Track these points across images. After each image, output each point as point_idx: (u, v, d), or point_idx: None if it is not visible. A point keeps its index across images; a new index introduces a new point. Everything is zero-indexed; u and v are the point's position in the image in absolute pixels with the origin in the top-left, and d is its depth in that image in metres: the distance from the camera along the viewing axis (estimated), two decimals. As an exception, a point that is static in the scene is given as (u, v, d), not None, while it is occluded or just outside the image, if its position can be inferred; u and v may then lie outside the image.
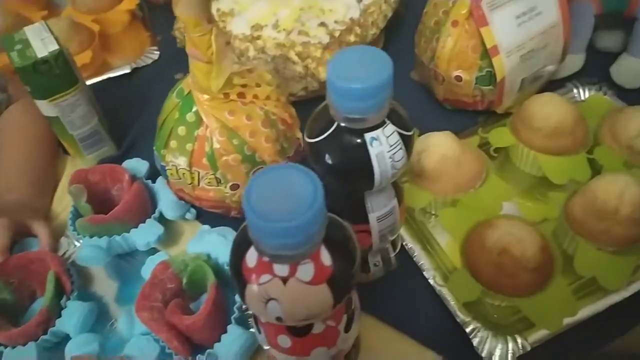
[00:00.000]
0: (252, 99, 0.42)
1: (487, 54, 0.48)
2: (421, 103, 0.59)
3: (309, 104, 0.59)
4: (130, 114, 0.61)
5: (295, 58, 0.54)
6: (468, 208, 0.45)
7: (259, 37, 0.57)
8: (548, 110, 0.47)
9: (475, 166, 0.47)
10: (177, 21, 0.62)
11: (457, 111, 0.57)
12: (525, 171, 0.51)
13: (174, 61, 0.62)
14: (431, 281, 0.43)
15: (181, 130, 0.41)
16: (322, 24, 0.57)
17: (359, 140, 0.31)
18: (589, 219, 0.42)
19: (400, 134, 0.32)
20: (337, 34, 0.56)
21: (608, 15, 0.56)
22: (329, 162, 0.32)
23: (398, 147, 0.32)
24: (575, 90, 0.57)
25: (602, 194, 0.41)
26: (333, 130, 0.32)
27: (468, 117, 0.56)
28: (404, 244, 0.46)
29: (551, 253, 0.41)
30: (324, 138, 0.32)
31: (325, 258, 0.26)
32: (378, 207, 0.37)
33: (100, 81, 0.65)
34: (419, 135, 0.49)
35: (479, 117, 0.56)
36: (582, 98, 0.56)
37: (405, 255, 0.46)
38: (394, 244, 0.44)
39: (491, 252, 0.40)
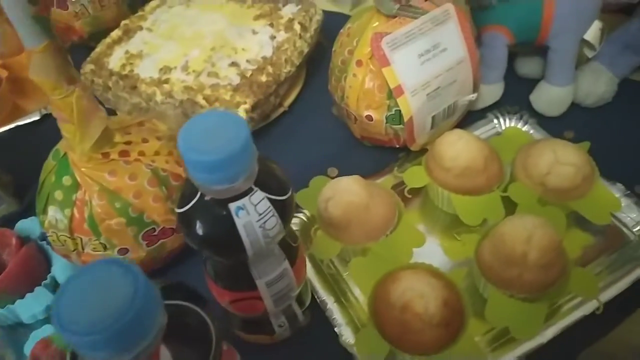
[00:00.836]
0: (138, 156, 0.39)
1: (393, 93, 0.46)
2: (342, 139, 0.57)
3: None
4: (37, 164, 0.57)
5: (203, 102, 0.52)
6: (378, 257, 0.43)
7: (166, 81, 0.54)
8: (456, 150, 0.45)
9: (385, 211, 0.45)
10: (85, 63, 0.59)
11: (378, 147, 0.55)
12: (444, 210, 0.49)
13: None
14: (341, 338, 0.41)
15: (58, 194, 0.38)
16: (234, 64, 0.55)
17: (223, 212, 0.29)
18: (498, 264, 0.40)
19: (271, 199, 0.30)
20: (248, 74, 0.54)
21: (522, 44, 0.55)
22: (196, 233, 0.30)
23: (269, 215, 0.30)
24: (495, 121, 0.56)
25: (509, 239, 0.39)
26: (197, 201, 0.29)
27: (389, 152, 0.55)
28: (316, 296, 0.43)
29: (459, 304, 0.39)
30: (188, 209, 0.30)
31: (166, 359, 0.24)
32: (265, 272, 0.34)
33: (8, 130, 0.62)
34: (336, 176, 0.47)
35: (400, 153, 0.54)
36: (503, 128, 0.55)
37: (317, 309, 0.43)
38: (300, 300, 0.41)
39: (395, 309, 0.38)
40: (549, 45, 0.53)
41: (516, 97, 0.59)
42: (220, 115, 0.28)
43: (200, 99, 0.52)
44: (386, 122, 0.49)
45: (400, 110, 0.47)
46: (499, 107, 0.57)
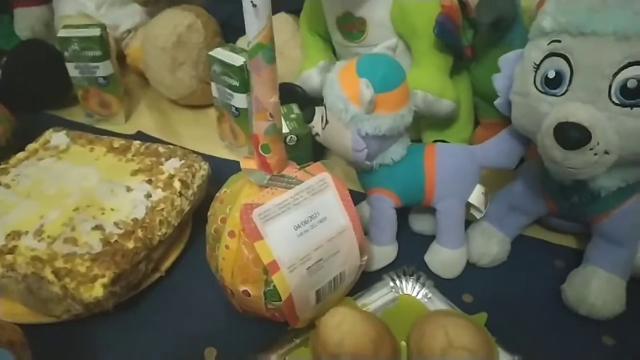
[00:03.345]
0: None
1: (269, 269, 0.41)
2: (225, 311, 0.50)
3: (77, 329, 0.48)
4: None
5: (51, 277, 0.44)
6: None
7: (12, 250, 0.46)
8: (340, 334, 0.39)
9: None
10: None
11: (265, 319, 0.48)
12: (334, 401, 0.42)
13: None
14: None
15: None
16: (98, 227, 0.49)
17: None
18: None
19: None
20: (113, 239, 0.48)
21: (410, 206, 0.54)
22: None
23: None
24: (392, 283, 0.52)
25: None
26: None
27: (277, 325, 0.48)
28: None
29: None
30: None
31: None
32: None
33: None
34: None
35: (290, 326, 0.48)
36: (400, 292, 0.51)
37: None
38: None
39: None
40: (436, 208, 0.52)
41: (414, 255, 0.56)
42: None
43: (47, 273, 0.44)
44: (265, 299, 0.43)
45: (279, 286, 0.42)
46: (396, 267, 0.54)
